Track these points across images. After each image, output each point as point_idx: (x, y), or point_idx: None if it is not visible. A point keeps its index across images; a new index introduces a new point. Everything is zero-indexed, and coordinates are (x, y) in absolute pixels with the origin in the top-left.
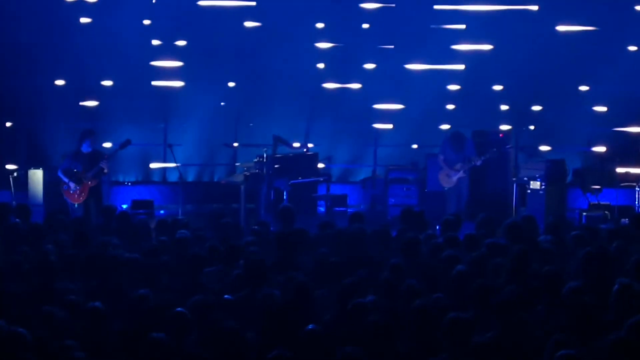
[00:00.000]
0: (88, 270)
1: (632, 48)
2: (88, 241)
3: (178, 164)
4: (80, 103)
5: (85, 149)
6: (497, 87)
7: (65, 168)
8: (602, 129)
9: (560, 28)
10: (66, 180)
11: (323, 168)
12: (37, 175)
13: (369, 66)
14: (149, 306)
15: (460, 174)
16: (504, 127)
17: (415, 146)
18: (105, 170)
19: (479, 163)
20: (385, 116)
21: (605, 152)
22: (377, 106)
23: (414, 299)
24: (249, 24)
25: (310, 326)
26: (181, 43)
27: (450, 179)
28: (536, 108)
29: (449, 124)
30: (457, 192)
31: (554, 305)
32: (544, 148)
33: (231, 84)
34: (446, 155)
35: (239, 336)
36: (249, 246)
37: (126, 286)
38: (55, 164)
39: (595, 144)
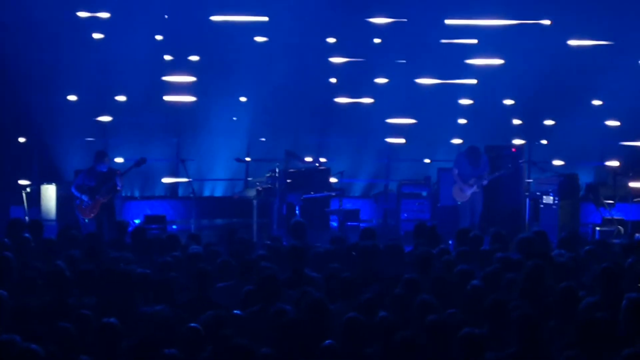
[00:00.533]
0: (101, 286)
1: None
2: (100, 256)
3: (190, 179)
4: (93, 118)
5: (100, 169)
6: (509, 102)
7: (78, 184)
8: (615, 143)
9: (572, 42)
10: (79, 195)
11: (335, 183)
12: (50, 191)
13: (381, 81)
14: (162, 322)
15: (474, 188)
16: (517, 142)
17: (427, 161)
18: (119, 188)
19: (485, 182)
20: (397, 130)
21: (619, 166)
22: (389, 120)
23: (427, 315)
24: (260, 38)
25: (327, 342)
26: (194, 58)
27: (463, 193)
28: (549, 122)
29: (461, 138)
30: (470, 206)
31: (568, 321)
32: (557, 162)
33: (243, 99)
34: (461, 170)
35: (252, 352)
36: (261, 261)
37: (139, 301)
38: (68, 180)
39: (608, 159)
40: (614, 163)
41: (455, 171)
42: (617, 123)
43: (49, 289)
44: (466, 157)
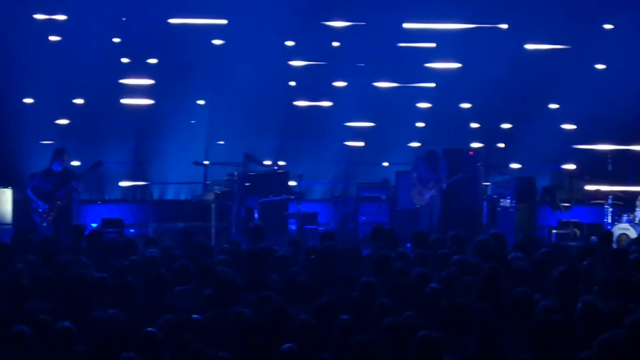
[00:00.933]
0: (57, 290)
1: (600, 66)
2: (57, 261)
3: (148, 182)
4: (51, 122)
5: (56, 168)
6: (466, 105)
7: (34, 186)
8: (571, 146)
9: (530, 46)
10: (35, 199)
11: (294, 186)
12: (5, 195)
13: (340, 84)
14: (119, 326)
15: (433, 192)
16: (475, 145)
17: (386, 164)
18: (79, 190)
19: (444, 186)
20: (356, 134)
21: (575, 169)
22: (348, 124)
23: (385, 318)
24: (218, 41)
25: (286, 345)
26: (152, 61)
27: (422, 197)
28: (506, 126)
29: (419, 141)
30: (429, 210)
31: (524, 324)
32: (514, 166)
33: (201, 102)
34: (420, 173)
35: (209, 357)
36: (219, 265)
37: (95, 306)
38: (25, 184)
39: (564, 162)
40: (571, 166)
41: (414, 175)
42: (573, 127)
43: (5, 294)
44: (425, 160)
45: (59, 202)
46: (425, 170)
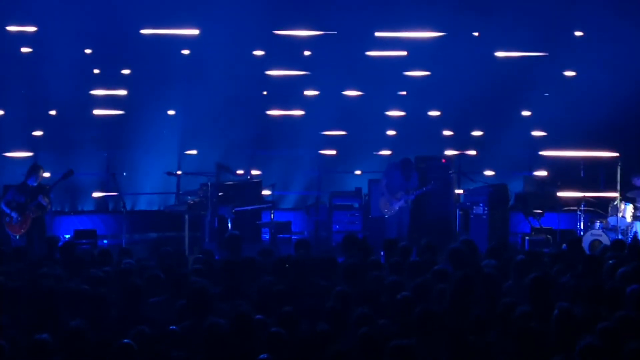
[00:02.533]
0: (30, 302)
1: (570, 73)
2: (30, 272)
3: (121, 193)
4: (22, 133)
5: (31, 182)
6: (435, 113)
7: (8, 200)
8: (543, 153)
9: (500, 54)
10: (8, 211)
11: (267, 195)
12: None
13: (312, 93)
14: (92, 338)
15: (402, 203)
16: (447, 153)
17: (358, 172)
18: (44, 205)
19: (412, 197)
20: (328, 142)
21: (547, 176)
22: (321, 132)
23: (359, 327)
24: (186, 51)
25: (263, 356)
26: (125, 72)
27: (391, 206)
28: (477, 133)
29: (390, 149)
30: (397, 220)
31: (500, 330)
32: (488, 173)
33: (171, 112)
34: (391, 181)
35: None
36: (192, 275)
37: (68, 318)
38: None
39: (536, 169)
40: (543, 173)
41: (384, 181)
42: (543, 133)
43: None
44: (399, 169)
45: (32, 215)
46: (398, 178)
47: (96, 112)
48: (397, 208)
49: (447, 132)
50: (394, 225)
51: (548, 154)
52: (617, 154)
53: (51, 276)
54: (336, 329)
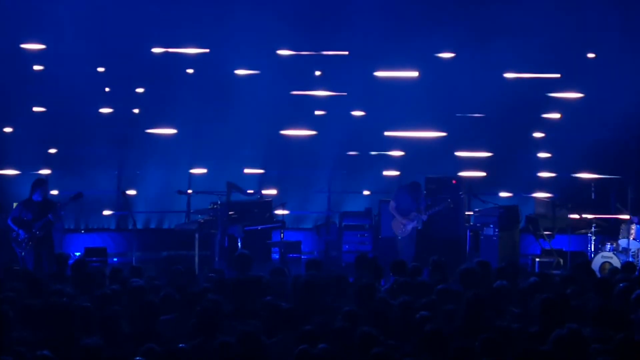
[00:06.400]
0: (41, 320)
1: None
2: (41, 290)
3: (131, 211)
4: (33, 150)
5: (36, 198)
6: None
7: (14, 217)
8: (555, 175)
9: (509, 75)
10: (15, 228)
11: (280, 215)
12: None
13: (322, 113)
14: (103, 356)
15: (415, 223)
16: (459, 174)
17: (367, 192)
18: (52, 221)
19: (424, 218)
20: (340, 162)
21: (558, 198)
22: (332, 152)
23: (368, 347)
24: (190, 70)
25: None
26: (139, 90)
27: (405, 228)
28: (486, 154)
29: (399, 170)
30: (410, 241)
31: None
32: (503, 194)
33: (175, 131)
34: (400, 204)
35: None
36: (204, 293)
37: (79, 335)
38: (5, 212)
39: (547, 190)
40: (546, 195)
41: (393, 204)
42: (549, 155)
43: None
44: (409, 192)
45: (37, 233)
46: (407, 200)
47: (107, 129)
48: (410, 229)
49: (460, 153)
50: (407, 246)
51: (560, 175)
52: (628, 176)
53: (62, 293)
54: (343, 348)
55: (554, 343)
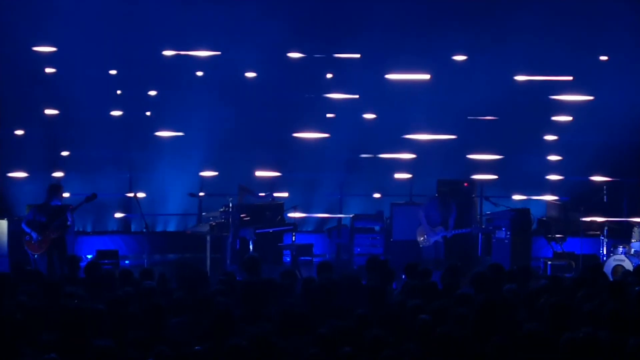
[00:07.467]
0: (54, 322)
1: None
2: (54, 293)
3: (143, 214)
4: (45, 153)
5: (55, 203)
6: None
7: (29, 219)
8: (567, 178)
9: (519, 77)
10: (29, 230)
11: (289, 217)
12: (1, 226)
13: (333, 116)
14: (114, 358)
15: (439, 237)
16: (471, 177)
17: (377, 195)
18: (69, 223)
19: (449, 235)
20: (351, 165)
21: (570, 201)
22: (343, 155)
23: (379, 349)
24: (200, 73)
25: None
26: (152, 93)
27: (428, 239)
28: (498, 157)
29: (410, 173)
30: (433, 251)
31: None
32: (516, 197)
33: (180, 133)
34: (430, 214)
35: None
36: (216, 296)
37: (92, 338)
38: (19, 215)
39: (560, 193)
40: (565, 198)
41: (422, 213)
42: (560, 158)
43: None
44: (438, 206)
45: (52, 235)
46: (436, 215)
47: (119, 132)
48: (433, 242)
49: (471, 156)
50: (429, 254)
51: (571, 178)
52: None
53: (75, 296)
54: (356, 351)
55: (568, 347)
